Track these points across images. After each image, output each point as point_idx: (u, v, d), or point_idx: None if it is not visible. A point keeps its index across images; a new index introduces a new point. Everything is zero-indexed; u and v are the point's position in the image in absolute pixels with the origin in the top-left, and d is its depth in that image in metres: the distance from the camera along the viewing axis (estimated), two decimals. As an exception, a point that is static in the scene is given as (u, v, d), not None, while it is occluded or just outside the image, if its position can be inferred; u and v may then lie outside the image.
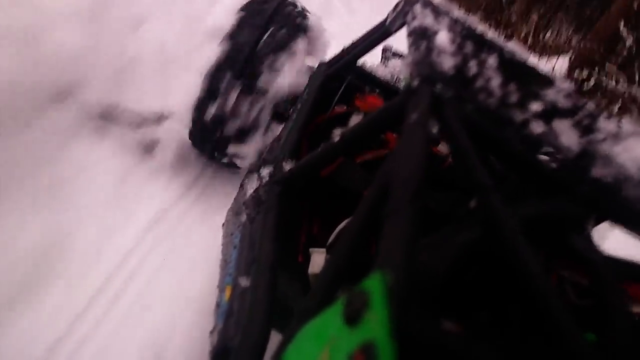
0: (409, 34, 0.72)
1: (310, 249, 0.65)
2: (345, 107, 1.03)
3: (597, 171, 0.54)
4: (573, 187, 0.53)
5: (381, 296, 0.31)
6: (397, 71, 1.15)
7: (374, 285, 0.32)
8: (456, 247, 0.44)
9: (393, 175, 0.44)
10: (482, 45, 0.71)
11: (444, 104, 0.54)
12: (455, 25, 0.75)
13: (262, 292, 0.53)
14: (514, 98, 0.61)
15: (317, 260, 0.63)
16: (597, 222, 0.58)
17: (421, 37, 0.68)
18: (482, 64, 0.68)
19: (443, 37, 0.70)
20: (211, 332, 0.58)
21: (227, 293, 0.59)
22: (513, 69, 0.68)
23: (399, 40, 1.05)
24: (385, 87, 1.10)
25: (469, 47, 0.69)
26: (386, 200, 0.42)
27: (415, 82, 0.57)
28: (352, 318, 0.32)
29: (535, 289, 0.36)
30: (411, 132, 0.48)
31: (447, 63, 0.64)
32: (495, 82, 0.65)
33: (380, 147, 0.88)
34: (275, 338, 0.52)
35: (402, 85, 1.13)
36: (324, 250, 0.64)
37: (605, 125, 0.63)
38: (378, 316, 0.30)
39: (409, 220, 0.37)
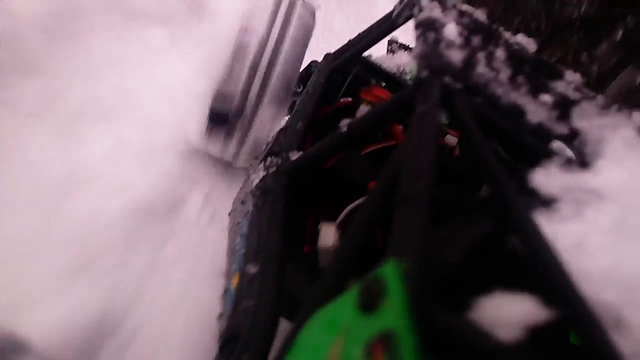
0: (417, 26, 0.72)
1: (320, 223, 0.65)
2: (350, 99, 1.02)
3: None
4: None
5: (398, 283, 0.30)
6: (403, 63, 1.14)
7: (390, 272, 0.32)
8: (468, 239, 0.44)
9: (404, 163, 0.44)
10: (490, 37, 0.71)
11: (453, 95, 0.54)
12: (462, 18, 0.75)
13: (270, 279, 0.53)
14: (523, 90, 0.61)
15: (327, 233, 0.63)
16: None
17: (429, 29, 0.68)
18: (490, 56, 0.68)
19: (451, 30, 0.70)
20: (218, 317, 0.58)
21: (235, 281, 0.59)
22: (521, 61, 0.68)
23: (405, 33, 1.05)
24: (391, 80, 1.09)
25: (477, 40, 0.69)
26: (396, 190, 0.42)
27: (424, 74, 0.57)
28: (368, 306, 0.31)
29: (553, 280, 0.36)
30: (422, 122, 0.48)
31: (456, 55, 0.64)
32: (504, 74, 0.65)
33: (386, 139, 0.88)
34: (283, 325, 0.52)
35: (408, 77, 1.13)
36: (334, 224, 0.64)
37: (616, 117, 0.63)
38: (396, 304, 0.29)
39: (423, 207, 0.36)
